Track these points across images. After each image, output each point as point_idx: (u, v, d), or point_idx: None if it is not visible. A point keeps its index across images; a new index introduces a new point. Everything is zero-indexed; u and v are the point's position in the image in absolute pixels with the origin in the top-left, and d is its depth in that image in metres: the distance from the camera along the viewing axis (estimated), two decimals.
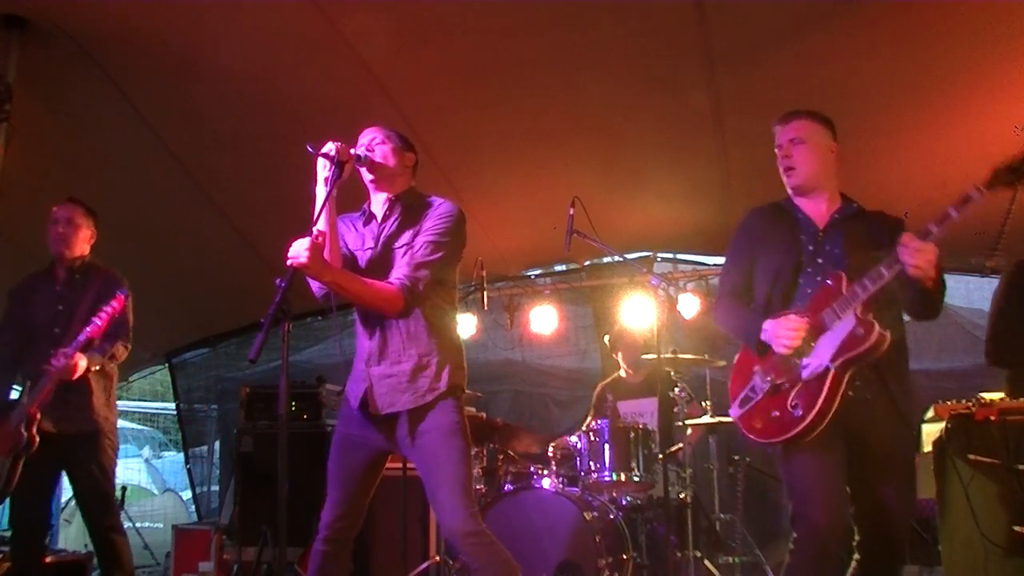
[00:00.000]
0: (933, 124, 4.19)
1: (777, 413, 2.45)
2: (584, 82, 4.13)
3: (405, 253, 2.58)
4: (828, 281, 2.44)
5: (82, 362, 3.34)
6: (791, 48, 3.77)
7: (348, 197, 2.68)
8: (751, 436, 2.55)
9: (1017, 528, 2.87)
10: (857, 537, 2.48)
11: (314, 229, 2.42)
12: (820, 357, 2.38)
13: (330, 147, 2.50)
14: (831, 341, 2.37)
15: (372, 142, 2.69)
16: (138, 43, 3.78)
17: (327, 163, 2.50)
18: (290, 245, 2.37)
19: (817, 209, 2.63)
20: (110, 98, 4.09)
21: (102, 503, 3.55)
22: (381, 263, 2.62)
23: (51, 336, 3.46)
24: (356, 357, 2.70)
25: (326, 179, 2.51)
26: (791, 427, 2.39)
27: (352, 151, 2.57)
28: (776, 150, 2.63)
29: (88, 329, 3.28)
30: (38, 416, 3.30)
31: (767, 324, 2.49)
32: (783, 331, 2.45)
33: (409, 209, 2.67)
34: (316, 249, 2.35)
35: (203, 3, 3.56)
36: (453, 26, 3.77)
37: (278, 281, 2.28)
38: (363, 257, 2.68)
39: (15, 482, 3.33)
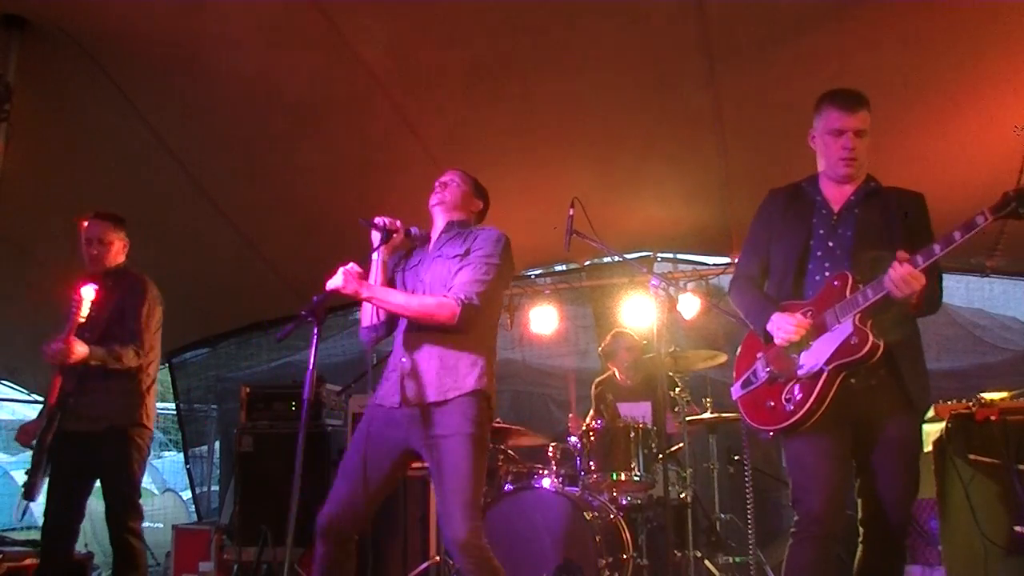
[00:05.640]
0: (933, 123, 4.19)
1: (772, 403, 2.52)
2: (584, 82, 4.13)
3: (458, 269, 2.76)
4: (835, 282, 2.48)
5: (80, 348, 3.44)
6: (791, 47, 3.77)
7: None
8: (747, 419, 2.62)
9: (1017, 528, 2.87)
10: (860, 529, 2.50)
11: (350, 264, 2.70)
12: (816, 358, 2.44)
13: (380, 221, 2.84)
14: (828, 344, 2.42)
15: (447, 186, 3.03)
16: (138, 43, 3.78)
17: (378, 233, 2.84)
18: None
19: (840, 192, 2.63)
20: (110, 98, 4.09)
21: (122, 505, 3.60)
22: (434, 281, 2.82)
23: (83, 339, 3.60)
24: (391, 356, 2.86)
25: (376, 248, 2.86)
26: (783, 419, 2.47)
27: (398, 224, 2.87)
28: (830, 133, 2.58)
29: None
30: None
31: (774, 316, 2.54)
32: (785, 325, 2.50)
33: (458, 233, 2.91)
34: (350, 273, 2.65)
35: (203, 3, 3.57)
36: (453, 26, 3.77)
37: (315, 299, 2.56)
38: (420, 287, 2.86)
39: (43, 472, 3.52)
